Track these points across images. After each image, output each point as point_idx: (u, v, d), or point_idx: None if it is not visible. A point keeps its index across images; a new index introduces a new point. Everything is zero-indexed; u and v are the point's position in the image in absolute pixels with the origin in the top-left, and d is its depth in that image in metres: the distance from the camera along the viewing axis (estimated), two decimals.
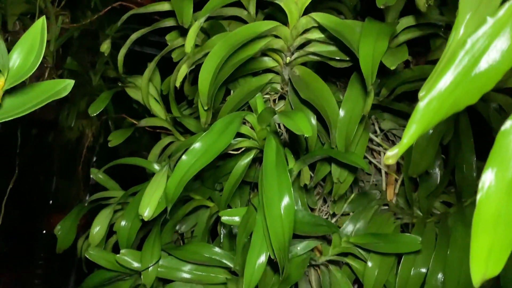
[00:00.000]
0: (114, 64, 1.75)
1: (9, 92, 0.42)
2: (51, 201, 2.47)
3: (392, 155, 0.28)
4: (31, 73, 0.40)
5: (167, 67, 0.97)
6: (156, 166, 0.85)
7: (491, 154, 0.25)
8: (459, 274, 0.59)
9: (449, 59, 0.27)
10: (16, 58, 0.42)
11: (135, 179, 0.96)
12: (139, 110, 1.12)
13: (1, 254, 2.40)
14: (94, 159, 2.39)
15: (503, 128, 0.25)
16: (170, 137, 1.01)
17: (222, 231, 0.85)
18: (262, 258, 0.59)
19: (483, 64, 0.26)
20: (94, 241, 0.86)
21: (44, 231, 2.78)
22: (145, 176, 1.03)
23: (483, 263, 0.24)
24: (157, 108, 0.95)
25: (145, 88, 0.88)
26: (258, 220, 0.62)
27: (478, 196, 0.24)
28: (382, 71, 0.72)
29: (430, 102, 0.26)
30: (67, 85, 0.43)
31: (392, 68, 0.54)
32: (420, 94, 0.27)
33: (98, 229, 0.87)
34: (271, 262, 0.70)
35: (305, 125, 0.53)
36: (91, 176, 0.99)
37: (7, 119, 0.41)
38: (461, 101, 0.27)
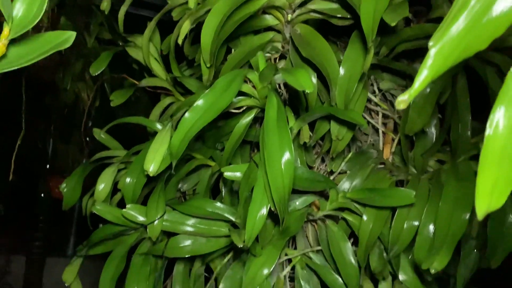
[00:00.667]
0: (109, 25, 1.73)
1: (13, 42, 0.43)
2: (48, 165, 2.51)
3: (403, 100, 0.29)
4: (35, 23, 0.42)
5: (165, 29, 0.98)
6: (159, 125, 0.87)
7: (500, 93, 0.27)
8: (448, 225, 0.63)
9: (461, 6, 0.28)
10: (19, 8, 0.42)
11: (135, 142, 0.98)
12: (138, 72, 1.13)
13: (1, 217, 2.45)
14: (90, 123, 2.40)
15: None
16: (171, 98, 1.03)
17: (223, 188, 0.89)
18: (263, 211, 0.62)
19: (495, 11, 0.27)
20: (100, 197, 0.89)
21: (43, 195, 2.83)
22: (145, 138, 1.05)
23: (487, 196, 0.26)
24: (157, 68, 0.97)
25: (146, 47, 0.89)
26: (259, 175, 0.65)
27: (487, 133, 0.26)
28: (383, 30, 0.74)
29: (442, 47, 0.28)
30: (69, 36, 0.44)
31: (393, 24, 0.56)
32: (430, 43, 0.29)
33: (103, 186, 0.90)
34: (271, 216, 0.74)
35: (307, 81, 0.55)
36: (94, 136, 1.01)
37: (12, 69, 0.42)
38: (471, 47, 0.28)
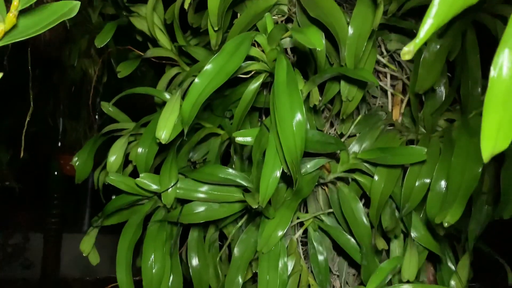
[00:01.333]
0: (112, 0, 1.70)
1: (22, 13, 0.42)
2: (59, 143, 2.51)
3: (408, 50, 0.29)
4: None
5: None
6: (167, 95, 0.86)
7: (504, 36, 0.26)
8: (461, 179, 0.62)
9: None
10: None
11: (142, 115, 0.97)
12: (143, 44, 1.11)
13: (17, 195, 2.48)
14: (98, 100, 2.38)
15: None
16: (176, 68, 1.01)
17: (234, 156, 0.88)
18: (276, 173, 0.62)
19: None
20: (112, 169, 0.89)
21: (56, 173, 2.85)
22: (152, 111, 1.04)
23: (492, 139, 0.26)
24: (162, 38, 0.94)
25: (150, 17, 0.87)
26: (270, 138, 0.64)
27: (491, 75, 0.25)
28: None
29: None
30: (74, 6, 0.43)
31: None
32: None
33: (114, 158, 0.89)
34: (283, 179, 0.74)
35: (317, 38, 0.53)
36: (102, 109, 1.00)
37: (23, 38, 0.42)
38: None
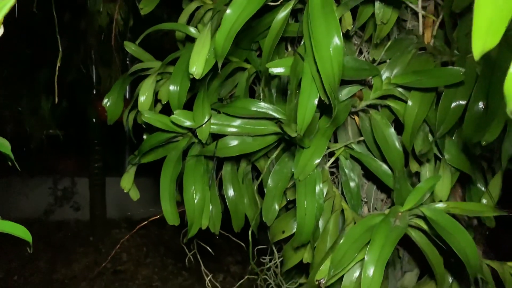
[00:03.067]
0: None
1: None
2: (95, 91, 2.47)
3: None
4: None
5: None
6: (192, 29, 0.80)
7: None
8: (501, 97, 0.56)
9: None
10: None
11: (163, 55, 0.92)
12: None
13: (60, 142, 2.52)
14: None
15: None
16: (196, 2, 0.93)
17: (262, 89, 0.83)
18: (313, 101, 0.57)
19: None
20: (144, 108, 0.85)
21: (94, 120, 2.87)
22: (173, 51, 0.98)
23: (483, 36, 0.26)
24: None
25: None
26: (306, 66, 0.59)
27: None
28: None
29: None
30: None
31: None
32: None
33: (145, 97, 0.85)
34: (317, 108, 0.69)
35: None
36: (126, 49, 0.95)
37: None
38: None
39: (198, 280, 2.61)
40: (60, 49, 0.84)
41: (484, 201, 0.74)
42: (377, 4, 0.61)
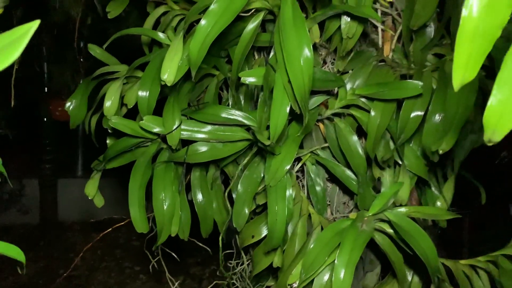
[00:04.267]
0: None
1: None
2: (46, 88, 2.35)
3: None
4: None
5: None
6: (162, 35, 0.79)
7: None
8: (456, 109, 0.61)
9: None
10: None
11: (128, 57, 0.90)
12: None
13: (9, 141, 2.37)
14: (82, 43, 2.22)
15: None
16: (163, 7, 0.93)
17: (232, 95, 0.84)
18: (285, 109, 0.59)
19: None
20: (110, 113, 0.84)
21: (45, 119, 2.73)
22: (137, 54, 0.97)
23: (462, 69, 0.28)
24: None
25: None
26: (277, 77, 0.61)
27: (462, 14, 0.27)
28: None
29: None
30: None
31: None
32: None
33: (111, 101, 0.84)
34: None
35: None
36: (90, 52, 0.92)
37: None
38: None
39: (158, 282, 2.57)
40: None
41: (438, 203, 0.80)
42: (343, 19, 0.65)
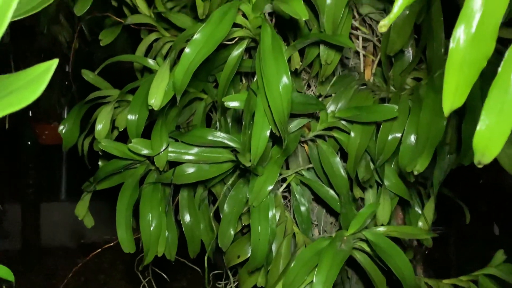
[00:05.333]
0: None
1: None
2: (31, 112, 2.43)
3: (384, 24, 0.34)
4: None
5: None
6: (151, 62, 0.87)
7: (461, 14, 0.33)
8: (428, 132, 0.69)
9: None
10: None
11: (120, 81, 0.98)
12: (113, 10, 1.09)
13: None
14: (68, 66, 2.30)
15: None
16: (155, 34, 1.01)
17: (218, 119, 0.91)
18: (265, 133, 0.66)
19: None
20: (101, 136, 0.91)
21: (29, 142, 2.79)
22: (128, 75, 1.04)
23: (451, 96, 0.32)
24: (141, 4, 0.94)
25: None
26: (258, 102, 0.68)
27: (451, 46, 0.32)
28: None
29: None
30: None
31: None
32: None
33: (102, 125, 0.91)
34: (269, 138, 0.78)
35: (301, 9, 0.56)
36: (84, 77, 1.00)
37: (19, 17, 0.42)
38: None
39: None
40: None
41: (420, 224, 0.87)
42: (321, 47, 0.73)
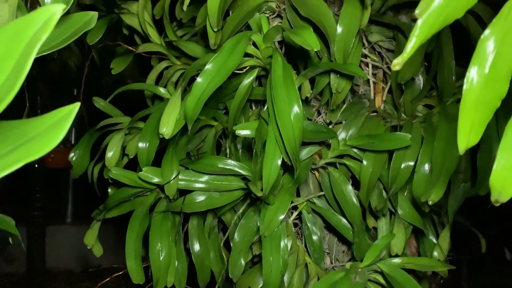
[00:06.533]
0: None
1: None
2: None
3: (398, 62, 0.35)
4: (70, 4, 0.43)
5: None
6: (162, 90, 0.89)
7: (474, 55, 0.34)
8: (443, 161, 0.69)
9: None
10: None
11: (130, 108, 1.00)
12: (124, 38, 1.12)
13: (0, 190, 2.44)
14: (75, 91, 2.34)
15: (482, 36, 0.33)
16: (165, 62, 1.03)
17: (228, 146, 0.92)
18: (277, 162, 0.67)
19: None
20: (111, 163, 0.91)
21: (36, 165, 2.82)
22: (138, 103, 1.06)
23: (466, 135, 0.33)
24: (152, 33, 0.97)
25: (141, 13, 0.89)
26: (270, 130, 0.69)
27: (464, 87, 0.33)
28: None
29: (427, 18, 0.33)
30: (93, 16, 0.46)
31: None
32: (417, 11, 0.34)
33: (112, 152, 0.92)
34: (280, 167, 0.79)
35: (313, 40, 0.57)
36: (95, 104, 1.02)
37: (50, 51, 0.44)
38: (451, 16, 0.34)
39: None
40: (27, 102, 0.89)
41: (435, 253, 0.86)
42: (332, 75, 0.73)
